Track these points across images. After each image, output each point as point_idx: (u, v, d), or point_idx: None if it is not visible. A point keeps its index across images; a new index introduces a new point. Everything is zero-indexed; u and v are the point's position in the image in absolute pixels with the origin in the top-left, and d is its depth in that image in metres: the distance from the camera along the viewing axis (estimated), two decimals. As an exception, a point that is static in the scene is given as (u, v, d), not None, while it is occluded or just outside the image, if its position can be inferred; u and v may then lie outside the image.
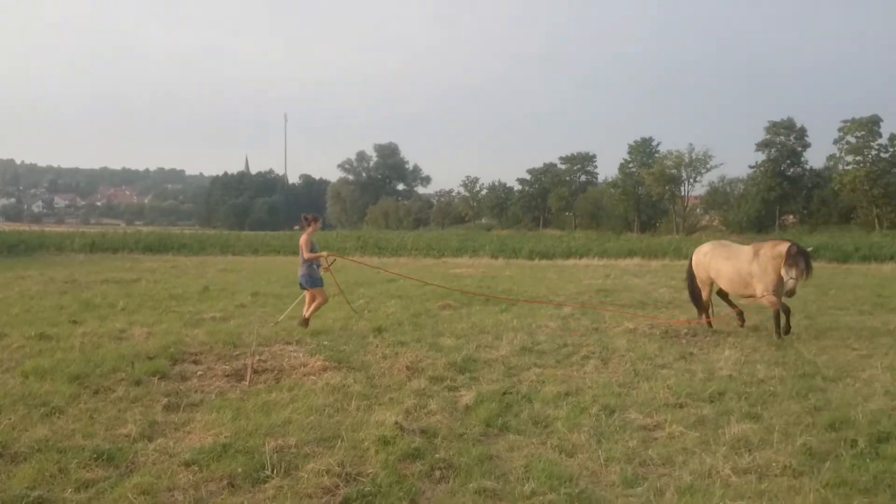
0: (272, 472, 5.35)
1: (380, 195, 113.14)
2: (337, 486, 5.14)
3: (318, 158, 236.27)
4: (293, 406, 7.10)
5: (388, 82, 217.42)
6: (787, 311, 11.31)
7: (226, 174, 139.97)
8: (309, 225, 12.42)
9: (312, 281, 11.98)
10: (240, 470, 5.35)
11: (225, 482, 5.21)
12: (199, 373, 8.72)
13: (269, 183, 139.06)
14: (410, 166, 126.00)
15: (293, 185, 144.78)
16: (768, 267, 11.19)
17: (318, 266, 12.19)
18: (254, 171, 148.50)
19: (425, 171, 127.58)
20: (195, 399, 7.54)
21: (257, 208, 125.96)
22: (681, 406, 7.30)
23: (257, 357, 9.22)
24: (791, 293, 10.81)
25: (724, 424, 6.57)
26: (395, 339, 10.88)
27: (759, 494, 4.94)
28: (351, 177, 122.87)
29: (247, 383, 8.20)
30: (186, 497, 4.99)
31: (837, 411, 6.90)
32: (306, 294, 12.20)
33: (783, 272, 10.88)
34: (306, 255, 11.87)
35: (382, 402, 7.31)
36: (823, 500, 4.81)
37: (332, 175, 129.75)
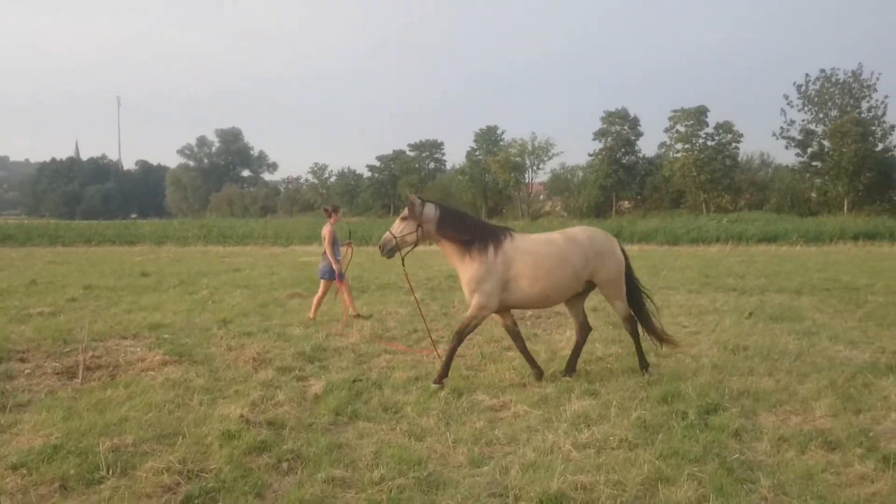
0: (108, 472, 5.08)
1: (223, 182, 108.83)
2: (178, 484, 4.92)
3: (156, 143, 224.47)
4: (130, 403, 6.75)
5: (229, 65, 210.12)
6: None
7: (54, 160, 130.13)
8: (330, 216, 12.19)
9: (330, 273, 11.77)
10: (72, 472, 5.03)
11: (56, 485, 4.89)
12: (26, 371, 8.14)
13: (101, 169, 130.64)
14: (255, 152, 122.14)
15: (129, 171, 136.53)
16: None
17: (339, 258, 11.91)
18: (85, 156, 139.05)
19: (272, 158, 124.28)
20: (23, 399, 7.02)
21: (90, 196, 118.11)
22: (525, 386, 7.55)
23: (90, 353, 8.69)
24: None
25: (565, 402, 6.84)
26: (241, 330, 10.57)
27: (598, 467, 5.17)
28: (192, 163, 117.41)
29: (79, 381, 7.70)
30: (14, 502, 4.64)
31: (669, 385, 7.33)
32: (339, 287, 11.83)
33: None
34: (327, 249, 11.76)
35: (227, 396, 7.07)
36: (657, 470, 5.08)
37: (172, 161, 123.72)
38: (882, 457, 5.32)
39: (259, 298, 14.09)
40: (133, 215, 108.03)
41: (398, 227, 7.71)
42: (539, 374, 7.87)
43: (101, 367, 8.31)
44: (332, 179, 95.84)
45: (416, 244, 7.81)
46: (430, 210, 7.73)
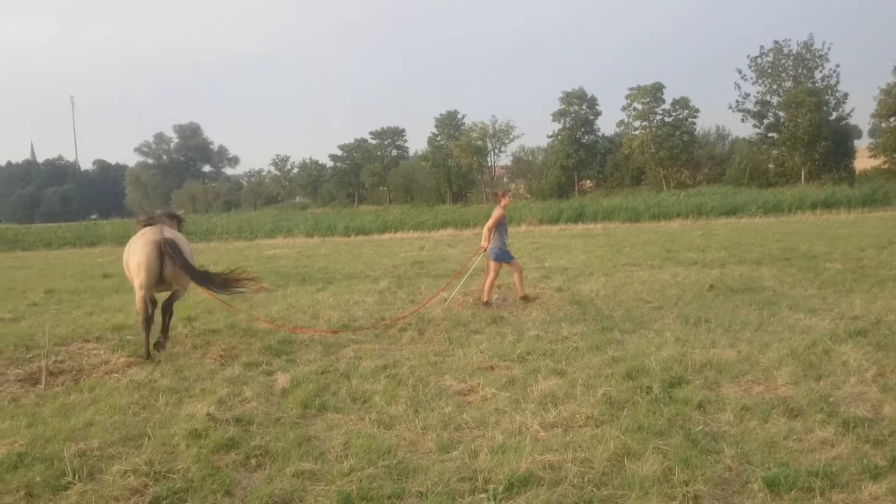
0: (74, 477, 5.01)
1: (184, 178, 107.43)
2: (146, 486, 4.87)
3: (113, 142, 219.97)
4: (95, 407, 6.67)
5: (183, 58, 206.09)
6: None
7: (9, 164, 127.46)
8: (500, 200, 12.18)
9: (501, 254, 11.74)
10: (38, 479, 4.97)
11: (22, 492, 4.82)
12: (-13, 380, 7.94)
13: (59, 171, 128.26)
14: (216, 147, 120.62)
15: (87, 171, 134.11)
16: None
17: (506, 240, 11.94)
18: (41, 158, 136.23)
19: (232, 152, 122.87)
20: (-16, 408, 6.86)
21: (48, 199, 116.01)
22: (492, 368, 7.58)
23: (53, 358, 8.55)
24: None
25: (532, 382, 6.89)
26: (207, 327, 10.47)
27: (565, 446, 5.23)
28: (150, 160, 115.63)
29: (42, 387, 7.56)
30: (-22, 513, 4.56)
31: (633, 361, 7.42)
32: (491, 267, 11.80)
33: None
34: (488, 226, 11.70)
35: (193, 395, 7.01)
36: (623, 445, 5.15)
37: (131, 159, 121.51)
38: (842, 421, 5.45)
39: (224, 294, 13.94)
40: (93, 216, 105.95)
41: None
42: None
43: (65, 371, 8.17)
44: (295, 171, 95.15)
45: None
46: None
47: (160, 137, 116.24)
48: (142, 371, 7.96)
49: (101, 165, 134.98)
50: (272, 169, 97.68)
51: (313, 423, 6.13)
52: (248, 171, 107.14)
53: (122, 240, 42.48)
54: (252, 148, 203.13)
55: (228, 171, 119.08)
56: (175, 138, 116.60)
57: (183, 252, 8.93)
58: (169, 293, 9.41)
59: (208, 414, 6.17)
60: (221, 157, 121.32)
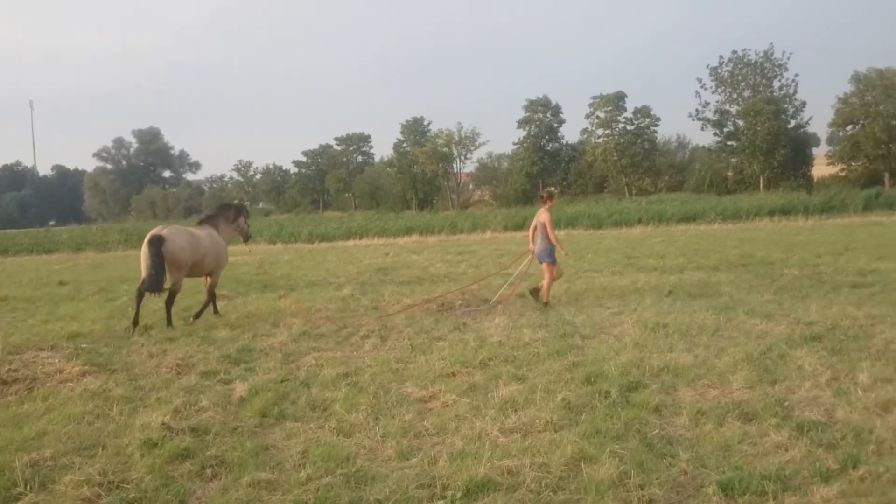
0: (25, 488, 4.91)
1: (144, 184, 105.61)
2: (98, 496, 4.80)
3: (72, 147, 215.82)
4: (48, 416, 6.54)
5: (144, 62, 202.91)
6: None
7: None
8: (545, 202, 12.30)
9: (550, 256, 11.96)
10: (-11, 489, 4.85)
11: (-28, 503, 4.70)
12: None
13: (16, 176, 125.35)
14: (176, 152, 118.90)
15: (45, 177, 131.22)
16: None
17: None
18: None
19: (193, 157, 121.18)
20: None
21: (5, 204, 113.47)
22: (454, 375, 7.57)
23: (6, 367, 8.38)
24: None
25: (493, 388, 6.91)
26: (163, 335, 10.31)
27: (524, 451, 5.25)
28: (109, 165, 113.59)
29: (-6, 397, 7.40)
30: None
31: (593, 366, 7.48)
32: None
33: None
34: (550, 233, 11.95)
35: (148, 404, 6.89)
36: (581, 450, 5.18)
37: (89, 164, 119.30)
38: (796, 425, 5.53)
39: (183, 302, 13.74)
40: (51, 222, 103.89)
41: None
42: None
43: (18, 380, 7.99)
44: (258, 177, 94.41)
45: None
46: None
47: (119, 142, 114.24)
48: (96, 380, 7.82)
49: (60, 171, 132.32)
50: (235, 174, 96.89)
51: (271, 432, 6.07)
52: (209, 177, 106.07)
53: (80, 246, 41.86)
54: (215, 153, 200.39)
55: (190, 176, 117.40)
56: (135, 143, 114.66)
57: (166, 251, 10.76)
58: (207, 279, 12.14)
59: (163, 423, 6.07)
60: (182, 162, 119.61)
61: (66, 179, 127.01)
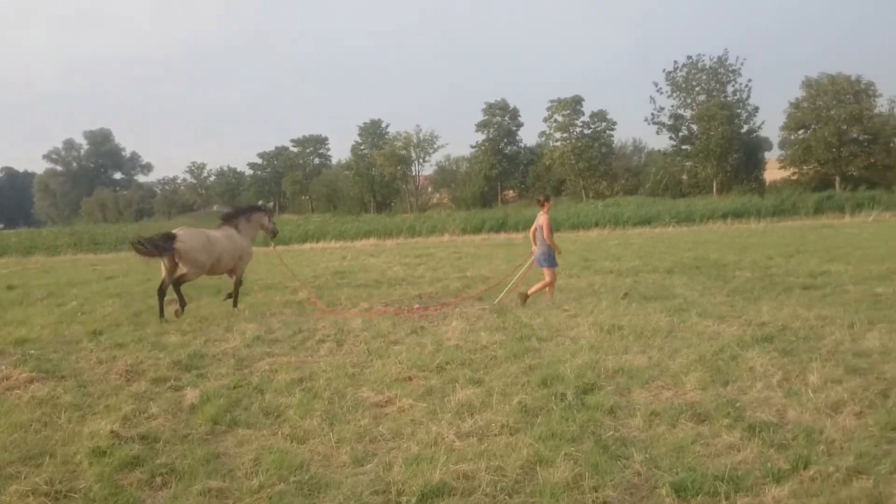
0: (-32, 500, 4.74)
1: (94, 186, 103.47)
2: (45, 507, 4.64)
3: (21, 149, 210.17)
4: (-7, 425, 6.31)
5: (94, 62, 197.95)
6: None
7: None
8: (543, 205, 12.62)
9: (549, 260, 12.16)
10: (-70, 502, 4.68)
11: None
12: None
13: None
14: (128, 154, 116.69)
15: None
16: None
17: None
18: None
19: (145, 159, 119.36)
20: None
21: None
22: (411, 379, 7.52)
23: (-50, 376, 8.06)
24: None
25: (449, 392, 6.87)
26: (113, 341, 10.06)
27: (480, 455, 5.22)
28: (59, 167, 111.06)
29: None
30: None
31: (549, 368, 7.50)
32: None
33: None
34: (547, 236, 12.15)
35: (97, 411, 6.71)
36: (536, 452, 5.18)
37: (39, 166, 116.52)
38: (748, 425, 5.60)
39: (133, 307, 13.48)
40: (0, 225, 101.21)
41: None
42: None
43: (-38, 389, 7.73)
44: (212, 179, 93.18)
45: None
46: None
47: (70, 144, 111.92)
48: (44, 387, 7.59)
49: (9, 173, 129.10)
50: (188, 177, 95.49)
51: (223, 440, 5.95)
52: (161, 179, 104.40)
53: (29, 250, 40.83)
54: (166, 155, 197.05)
55: (141, 178, 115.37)
56: (85, 145, 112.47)
57: (175, 248, 11.67)
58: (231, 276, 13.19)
59: (112, 431, 5.92)
60: (134, 164, 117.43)
61: (16, 181, 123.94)
